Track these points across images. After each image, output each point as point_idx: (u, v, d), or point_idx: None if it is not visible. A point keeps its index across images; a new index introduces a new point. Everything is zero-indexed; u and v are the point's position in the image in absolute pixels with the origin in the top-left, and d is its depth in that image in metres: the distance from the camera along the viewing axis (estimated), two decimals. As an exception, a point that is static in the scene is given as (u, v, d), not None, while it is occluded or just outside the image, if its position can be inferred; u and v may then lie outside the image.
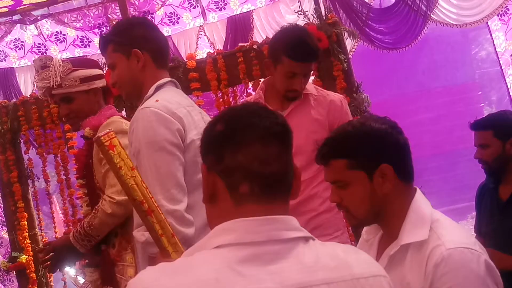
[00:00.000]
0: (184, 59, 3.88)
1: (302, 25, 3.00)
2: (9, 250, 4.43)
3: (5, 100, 4.37)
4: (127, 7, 4.48)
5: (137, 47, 1.88)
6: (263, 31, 5.09)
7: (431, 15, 4.66)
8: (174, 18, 5.37)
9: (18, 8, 4.94)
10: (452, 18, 4.70)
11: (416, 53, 5.83)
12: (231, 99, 3.65)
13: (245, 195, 0.97)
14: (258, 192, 0.97)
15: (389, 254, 1.40)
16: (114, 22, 3.94)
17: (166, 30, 5.29)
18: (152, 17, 5.17)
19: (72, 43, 5.60)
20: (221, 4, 5.25)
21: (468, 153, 2.83)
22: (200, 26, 5.36)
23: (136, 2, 5.19)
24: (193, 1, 5.27)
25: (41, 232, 4.12)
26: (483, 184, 2.68)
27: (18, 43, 5.69)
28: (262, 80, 3.35)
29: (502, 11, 4.61)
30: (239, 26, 5.20)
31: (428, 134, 6.31)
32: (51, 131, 3.97)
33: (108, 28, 5.15)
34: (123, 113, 3.50)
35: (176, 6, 5.33)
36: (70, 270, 4.82)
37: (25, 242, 3.95)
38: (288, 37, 2.35)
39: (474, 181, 2.87)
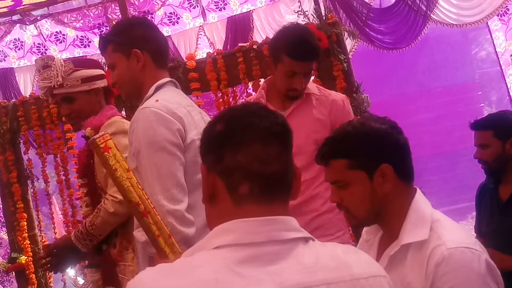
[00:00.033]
0: (184, 59, 3.88)
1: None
2: (8, 251, 4.43)
3: (5, 100, 4.36)
4: (127, 7, 4.48)
5: (137, 47, 1.88)
6: (263, 31, 5.09)
7: (431, 15, 4.66)
8: (174, 18, 5.37)
9: (18, 8, 4.94)
10: (452, 18, 4.70)
11: (416, 53, 5.83)
12: (231, 99, 3.64)
13: (244, 196, 0.96)
14: (258, 193, 0.96)
15: (389, 254, 1.40)
16: (114, 22, 3.93)
17: (166, 30, 5.29)
18: (152, 17, 5.17)
19: (72, 43, 5.60)
20: (221, 4, 5.25)
21: (468, 153, 2.83)
22: (200, 26, 5.36)
23: (136, 2, 5.19)
24: (193, 1, 5.27)
25: (41, 233, 4.12)
26: (483, 184, 2.68)
27: (18, 43, 5.69)
28: (262, 80, 3.36)
29: (502, 11, 4.61)
30: (239, 26, 5.20)
31: (428, 134, 6.32)
32: (51, 131, 3.97)
33: (108, 28, 5.15)
34: (123, 113, 3.50)
35: (176, 6, 5.33)
36: (69, 271, 4.82)
37: (25, 243, 3.95)
38: (289, 36, 2.35)
39: (474, 181, 2.87)
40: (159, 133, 1.72)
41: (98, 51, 2.34)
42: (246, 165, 0.96)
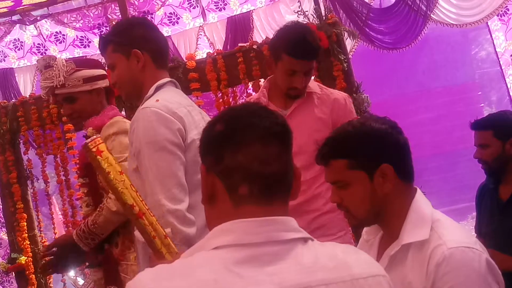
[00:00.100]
0: (184, 59, 3.88)
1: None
2: (8, 251, 4.43)
3: (5, 101, 4.36)
4: (127, 7, 4.48)
5: (137, 48, 1.88)
6: (263, 31, 5.09)
7: (431, 15, 4.66)
8: (174, 18, 5.37)
9: (18, 8, 4.94)
10: (452, 18, 4.70)
11: (416, 53, 5.84)
12: (231, 100, 3.65)
13: (244, 196, 0.96)
14: (257, 193, 0.96)
15: (389, 254, 1.40)
16: (113, 23, 3.94)
17: (166, 30, 5.29)
18: (152, 17, 5.17)
19: (71, 43, 5.60)
20: (221, 4, 5.25)
21: (468, 153, 2.83)
22: (200, 26, 5.36)
23: (136, 2, 5.19)
24: (193, 1, 5.27)
25: (41, 233, 4.12)
26: (483, 184, 2.68)
27: (18, 44, 5.69)
28: (262, 80, 3.36)
29: (502, 11, 4.61)
30: (239, 26, 5.20)
31: (428, 134, 6.32)
32: (51, 131, 3.97)
33: (107, 28, 5.15)
34: (123, 113, 3.50)
35: (176, 6, 5.33)
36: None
37: (25, 243, 3.95)
38: (289, 34, 2.35)
39: (474, 181, 2.87)
40: (160, 133, 1.72)
41: (98, 51, 2.34)
42: (246, 165, 0.96)
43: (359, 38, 4.63)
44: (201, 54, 4.90)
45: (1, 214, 4.85)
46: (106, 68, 2.31)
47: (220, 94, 3.62)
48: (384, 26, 4.81)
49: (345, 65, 3.29)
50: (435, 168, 6.38)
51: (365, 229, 1.57)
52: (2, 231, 5.33)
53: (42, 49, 5.64)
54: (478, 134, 2.53)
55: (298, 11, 3.44)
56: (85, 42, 5.58)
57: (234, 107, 1.10)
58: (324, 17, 3.38)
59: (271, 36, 2.73)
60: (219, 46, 5.15)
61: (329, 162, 1.43)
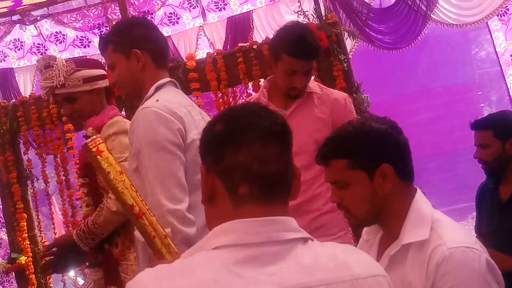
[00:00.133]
0: (184, 59, 3.88)
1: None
2: (8, 251, 4.43)
3: (5, 101, 4.36)
4: (127, 7, 4.48)
5: (137, 48, 1.88)
6: (263, 31, 5.09)
7: (431, 15, 4.65)
8: (174, 18, 5.37)
9: (18, 8, 4.94)
10: (452, 18, 4.70)
11: (416, 53, 5.84)
12: (231, 100, 3.65)
13: (244, 197, 0.96)
14: (257, 193, 0.96)
15: (389, 254, 1.40)
16: (113, 23, 3.94)
17: (166, 30, 5.29)
18: (152, 17, 5.17)
19: (71, 44, 5.60)
20: (221, 4, 5.25)
21: (468, 153, 2.83)
22: (200, 26, 5.36)
23: (136, 2, 5.19)
24: (193, 1, 5.27)
25: (41, 233, 4.12)
26: (483, 185, 2.67)
27: (18, 44, 5.69)
28: (262, 80, 3.36)
29: (502, 11, 4.61)
30: (239, 26, 5.20)
31: (428, 134, 6.32)
32: (51, 131, 3.97)
33: (107, 28, 5.15)
34: (123, 113, 3.50)
35: (176, 6, 5.33)
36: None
37: (25, 243, 3.95)
38: (289, 34, 2.35)
39: (474, 181, 2.87)
40: (160, 133, 1.72)
41: (98, 51, 2.34)
42: (246, 165, 0.96)
43: (359, 38, 4.63)
44: (201, 54, 4.90)
45: (1, 214, 4.85)
46: (106, 68, 2.31)
47: (220, 94, 3.62)
48: (384, 26, 4.81)
49: (345, 65, 3.29)
50: (435, 168, 6.39)
51: (365, 229, 1.57)
52: (2, 231, 5.33)
53: (42, 49, 5.64)
54: (478, 134, 2.53)
55: (298, 11, 3.44)
56: (85, 42, 5.58)
57: (234, 107, 1.10)
58: (324, 17, 3.38)
59: (271, 36, 2.73)
60: (219, 46, 5.15)
61: (329, 162, 1.43)
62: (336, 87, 3.21)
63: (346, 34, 3.46)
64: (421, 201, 1.43)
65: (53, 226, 4.29)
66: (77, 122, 2.40)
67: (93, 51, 5.47)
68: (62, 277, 3.98)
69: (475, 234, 2.68)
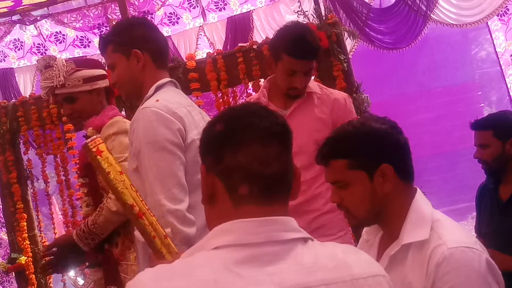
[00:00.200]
0: (184, 59, 3.88)
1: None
2: (8, 251, 4.43)
3: (5, 101, 4.37)
4: (127, 7, 4.48)
5: (137, 48, 1.88)
6: (263, 31, 5.09)
7: (431, 15, 4.65)
8: (174, 18, 5.37)
9: (18, 8, 4.94)
10: (452, 18, 4.70)
11: (416, 53, 5.84)
12: (231, 100, 3.65)
13: (244, 197, 0.96)
14: (257, 194, 0.96)
15: (389, 254, 1.40)
16: (113, 23, 3.94)
17: (166, 30, 5.29)
18: (152, 17, 5.17)
19: (71, 44, 5.60)
20: (221, 4, 5.25)
21: (468, 153, 2.83)
22: (200, 26, 5.36)
23: (136, 2, 5.19)
24: (193, 1, 5.27)
25: (41, 233, 4.12)
26: (483, 185, 2.68)
27: (18, 44, 5.69)
28: (262, 80, 3.36)
29: (502, 11, 4.61)
30: (239, 26, 5.20)
31: (428, 134, 6.33)
32: (51, 131, 3.97)
33: (107, 28, 5.15)
34: (123, 113, 3.50)
35: (176, 6, 5.33)
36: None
37: (25, 243, 3.95)
38: (289, 34, 2.35)
39: (474, 181, 2.87)
40: (160, 133, 1.72)
41: (98, 51, 2.34)
42: (246, 165, 0.96)
43: (359, 38, 4.63)
44: (201, 54, 4.90)
45: (1, 214, 4.85)
46: (106, 68, 2.31)
47: (220, 94, 3.62)
48: (384, 26, 4.81)
49: (345, 65, 3.29)
50: (435, 168, 6.39)
51: (365, 229, 1.57)
52: (2, 231, 5.33)
53: (42, 49, 5.64)
54: (478, 134, 2.53)
55: (298, 11, 3.44)
56: (85, 42, 5.58)
57: (234, 107, 1.10)
58: (324, 17, 3.38)
59: (271, 36, 2.73)
60: (219, 46, 5.15)
61: (329, 162, 1.43)
62: (336, 87, 3.21)
63: (346, 34, 3.46)
64: (421, 201, 1.43)
65: (53, 226, 4.29)
66: (77, 122, 2.40)
67: (93, 51, 5.47)
68: (62, 277, 3.98)
69: (475, 234, 2.68)
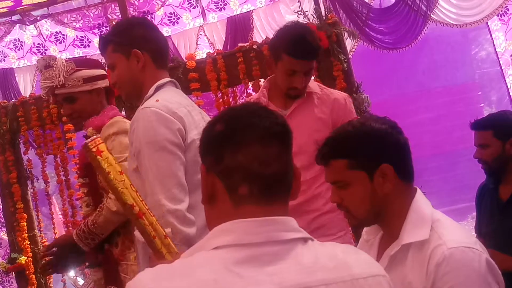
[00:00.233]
0: (184, 59, 3.88)
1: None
2: (8, 251, 4.43)
3: (5, 101, 4.37)
4: (127, 7, 4.48)
5: (137, 48, 1.88)
6: (263, 31, 5.09)
7: (431, 15, 4.66)
8: (174, 18, 5.37)
9: (18, 8, 4.94)
10: (452, 18, 4.70)
11: (416, 53, 5.84)
12: (231, 100, 3.65)
13: (244, 197, 0.96)
14: (257, 194, 0.96)
15: (389, 254, 1.40)
16: (113, 23, 3.94)
17: (166, 30, 5.29)
18: (152, 17, 5.17)
19: (71, 44, 5.60)
20: (221, 4, 5.25)
21: (468, 153, 2.83)
22: (200, 26, 5.36)
23: (136, 2, 5.19)
24: (193, 1, 5.27)
25: (41, 233, 4.12)
26: (483, 185, 2.68)
27: (18, 44, 5.69)
28: (262, 80, 3.36)
29: (502, 11, 4.61)
30: (239, 26, 5.20)
31: (428, 134, 6.33)
32: (51, 131, 3.97)
33: (107, 28, 5.15)
34: (123, 113, 3.50)
35: (176, 6, 5.33)
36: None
37: (25, 243, 3.95)
38: (289, 34, 2.35)
39: (474, 181, 2.87)
40: (160, 133, 1.72)
41: (98, 51, 2.34)
42: (246, 165, 0.96)
43: (359, 38, 4.63)
44: (201, 54, 4.90)
45: (1, 214, 4.85)
46: (106, 68, 2.31)
47: (220, 94, 3.62)
48: (384, 26, 4.81)
49: (345, 65, 3.29)
50: (435, 168, 6.39)
51: (365, 229, 1.57)
52: (2, 231, 5.33)
53: (42, 49, 5.64)
54: (478, 134, 2.53)
55: (298, 11, 3.44)
56: (85, 42, 5.58)
57: (234, 107, 1.10)
58: (324, 17, 3.38)
59: (271, 36, 2.73)
60: (219, 46, 5.16)
61: (329, 162, 1.43)
62: (336, 87, 3.21)
63: (346, 34, 3.46)
64: (421, 201, 1.43)
65: (53, 226, 4.29)
66: (77, 122, 2.40)
67: (93, 51, 5.47)
68: (62, 277, 3.98)
69: (475, 234, 2.68)
